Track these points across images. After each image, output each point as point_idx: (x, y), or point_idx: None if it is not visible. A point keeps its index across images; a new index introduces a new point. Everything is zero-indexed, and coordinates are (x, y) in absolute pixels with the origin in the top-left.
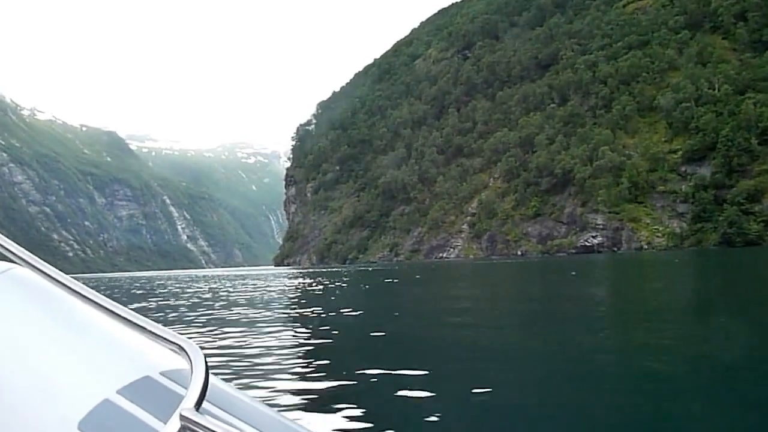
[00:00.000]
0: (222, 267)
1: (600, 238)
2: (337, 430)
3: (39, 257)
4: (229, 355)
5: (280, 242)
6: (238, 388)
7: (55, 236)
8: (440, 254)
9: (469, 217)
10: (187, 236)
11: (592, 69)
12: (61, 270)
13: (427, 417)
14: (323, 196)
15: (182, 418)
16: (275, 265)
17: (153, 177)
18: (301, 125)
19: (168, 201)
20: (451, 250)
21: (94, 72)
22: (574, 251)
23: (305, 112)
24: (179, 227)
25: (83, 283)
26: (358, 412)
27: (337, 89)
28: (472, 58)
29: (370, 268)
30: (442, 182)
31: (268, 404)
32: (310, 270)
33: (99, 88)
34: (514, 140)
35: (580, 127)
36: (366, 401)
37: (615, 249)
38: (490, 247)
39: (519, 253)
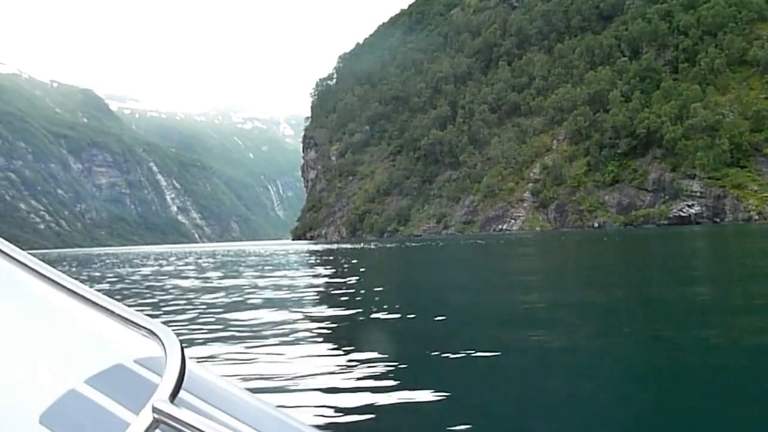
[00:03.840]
0: (218, 242)
1: (698, 208)
2: (333, 423)
3: (2, 230)
4: None
5: (281, 215)
6: (222, 376)
7: (23, 206)
8: (499, 226)
9: (531, 184)
10: (178, 207)
11: (666, 19)
12: (32, 244)
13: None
14: (351, 159)
15: (155, 410)
16: (293, 239)
17: (137, 141)
18: (321, 80)
19: (155, 168)
20: (512, 221)
21: (66, 21)
22: (666, 222)
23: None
24: (168, 197)
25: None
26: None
27: (361, 41)
28: (521, 8)
29: (441, 243)
30: (497, 144)
31: (258, 394)
32: (357, 246)
33: (72, 40)
34: (582, 97)
35: (659, 83)
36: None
37: (717, 220)
38: (560, 219)
39: (595, 225)
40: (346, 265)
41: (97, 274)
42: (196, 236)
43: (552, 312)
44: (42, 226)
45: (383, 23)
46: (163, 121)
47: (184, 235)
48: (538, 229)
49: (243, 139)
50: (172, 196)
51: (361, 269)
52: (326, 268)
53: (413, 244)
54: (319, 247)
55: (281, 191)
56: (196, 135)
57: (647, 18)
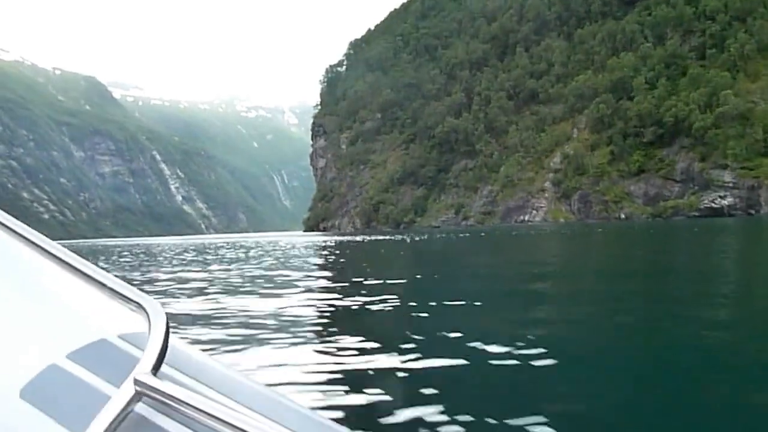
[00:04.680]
0: (226, 233)
1: (731, 199)
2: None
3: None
4: None
5: (288, 205)
6: (205, 352)
7: (25, 194)
8: (521, 217)
9: (551, 174)
10: (183, 197)
11: (691, 4)
12: None
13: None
14: (362, 148)
15: (137, 382)
16: (306, 230)
17: (140, 129)
18: (330, 66)
19: (158, 157)
20: (534, 212)
21: (69, 8)
22: (697, 214)
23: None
24: (172, 187)
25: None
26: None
27: (372, 27)
28: None
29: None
30: (515, 133)
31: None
32: (391, 238)
33: (75, 28)
34: (604, 84)
35: (685, 70)
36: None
37: (752, 212)
38: (584, 209)
39: (622, 216)
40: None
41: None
42: (203, 227)
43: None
44: (46, 216)
45: (395, 9)
46: (167, 109)
47: (191, 226)
48: (562, 220)
49: (247, 128)
50: (177, 185)
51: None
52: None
53: (449, 236)
54: (344, 239)
55: (286, 181)
56: (200, 123)
57: (671, 3)
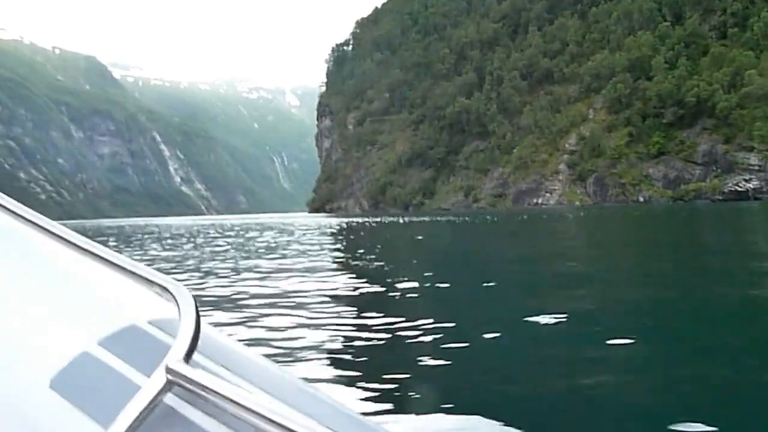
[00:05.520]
0: (225, 214)
1: (756, 182)
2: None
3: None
4: None
5: (287, 187)
6: (238, 339)
7: (23, 175)
8: (534, 200)
9: (566, 156)
10: (181, 178)
11: None
12: None
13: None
14: (370, 129)
15: (168, 370)
16: (311, 212)
17: (140, 110)
18: (337, 45)
19: (158, 138)
20: (548, 195)
21: None
22: (720, 198)
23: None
24: (171, 168)
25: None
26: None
27: (379, 5)
28: None
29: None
30: (529, 113)
31: (273, 359)
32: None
33: (76, 7)
34: (621, 64)
35: (706, 49)
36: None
37: None
38: (599, 192)
39: (641, 199)
40: None
41: None
42: (203, 208)
43: None
44: (43, 197)
45: None
46: (167, 89)
47: (191, 207)
48: (578, 203)
49: (248, 109)
50: (176, 166)
51: None
52: None
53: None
54: (371, 220)
55: (286, 163)
56: (201, 104)
57: None
